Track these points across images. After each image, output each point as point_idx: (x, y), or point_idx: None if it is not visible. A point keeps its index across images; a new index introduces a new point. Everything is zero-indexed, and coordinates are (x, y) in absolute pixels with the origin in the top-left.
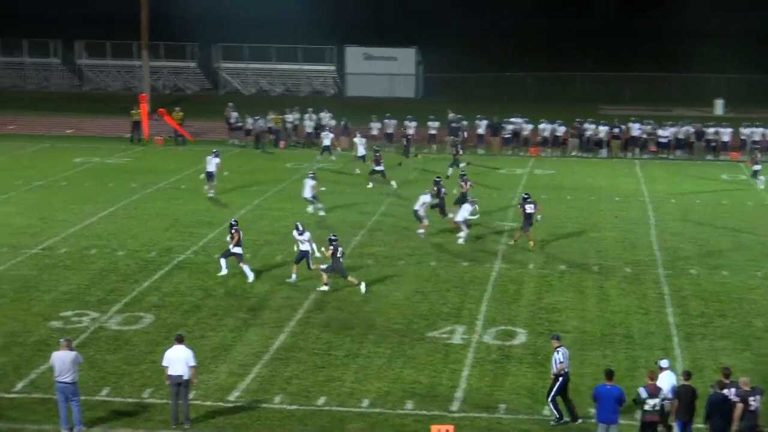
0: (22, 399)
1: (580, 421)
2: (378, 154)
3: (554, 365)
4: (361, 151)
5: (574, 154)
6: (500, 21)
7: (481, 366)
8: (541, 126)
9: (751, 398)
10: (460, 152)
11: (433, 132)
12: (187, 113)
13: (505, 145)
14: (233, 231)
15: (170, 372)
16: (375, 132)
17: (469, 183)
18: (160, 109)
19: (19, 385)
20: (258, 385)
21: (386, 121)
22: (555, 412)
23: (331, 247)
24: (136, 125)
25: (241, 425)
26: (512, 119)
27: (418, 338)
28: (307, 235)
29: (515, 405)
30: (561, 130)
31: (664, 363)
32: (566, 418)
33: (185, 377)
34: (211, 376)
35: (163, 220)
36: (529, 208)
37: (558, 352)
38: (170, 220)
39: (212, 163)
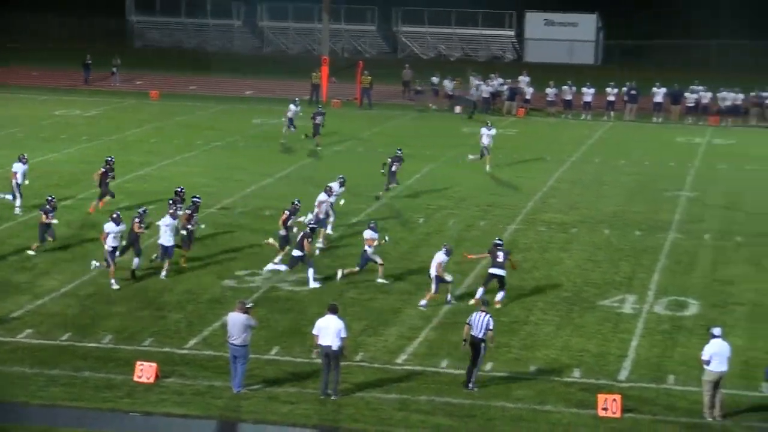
0: (194, 356)
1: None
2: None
3: None
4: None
5: (753, 124)
6: None
7: (651, 336)
8: (721, 95)
9: None
10: None
11: (610, 99)
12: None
13: (687, 113)
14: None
15: (320, 341)
16: (551, 98)
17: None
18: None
19: (192, 342)
20: (426, 349)
21: (564, 87)
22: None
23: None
24: (316, 88)
25: (408, 388)
26: (693, 87)
27: (588, 307)
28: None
29: (684, 376)
30: (740, 98)
31: (716, 331)
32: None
33: (334, 348)
34: (380, 339)
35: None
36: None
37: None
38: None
39: (486, 136)
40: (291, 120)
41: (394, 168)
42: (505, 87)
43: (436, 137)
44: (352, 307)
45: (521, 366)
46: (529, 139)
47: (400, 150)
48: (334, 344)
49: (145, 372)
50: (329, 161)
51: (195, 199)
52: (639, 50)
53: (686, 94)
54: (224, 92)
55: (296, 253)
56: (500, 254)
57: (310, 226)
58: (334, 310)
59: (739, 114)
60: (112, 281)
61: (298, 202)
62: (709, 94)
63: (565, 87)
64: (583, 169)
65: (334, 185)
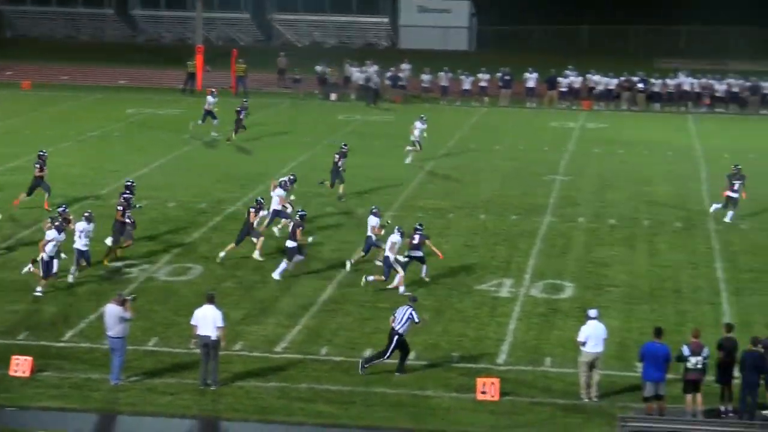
0: (71, 348)
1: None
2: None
3: None
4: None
5: (625, 108)
6: None
7: (528, 319)
8: (594, 79)
9: None
10: None
11: (483, 84)
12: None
13: (560, 98)
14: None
15: (199, 332)
16: (426, 84)
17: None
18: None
19: (68, 335)
20: (305, 337)
21: (441, 74)
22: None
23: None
24: (191, 76)
25: (288, 376)
26: (566, 72)
27: (466, 291)
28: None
29: (561, 358)
30: (613, 83)
31: (592, 313)
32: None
33: (213, 338)
34: (258, 327)
35: (215, 171)
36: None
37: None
38: (221, 171)
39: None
40: (210, 112)
41: (339, 163)
42: (388, 74)
43: (314, 125)
44: (231, 296)
45: None
46: (405, 126)
47: (345, 145)
48: (213, 334)
49: (20, 366)
50: (206, 150)
51: (126, 195)
52: (513, 36)
53: (559, 79)
54: (97, 82)
55: (289, 243)
56: (416, 236)
57: (300, 214)
58: (211, 300)
59: (611, 98)
60: (39, 288)
61: (261, 199)
62: (581, 79)
63: (441, 73)
64: (459, 155)
65: (285, 180)
